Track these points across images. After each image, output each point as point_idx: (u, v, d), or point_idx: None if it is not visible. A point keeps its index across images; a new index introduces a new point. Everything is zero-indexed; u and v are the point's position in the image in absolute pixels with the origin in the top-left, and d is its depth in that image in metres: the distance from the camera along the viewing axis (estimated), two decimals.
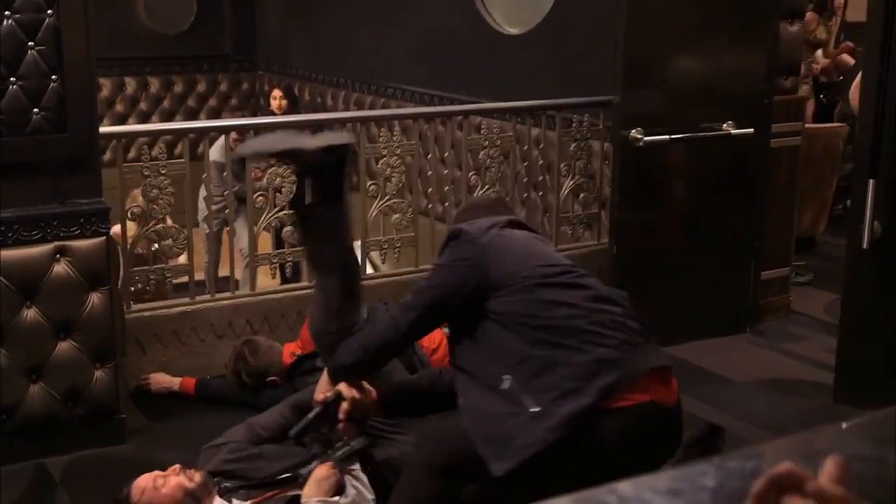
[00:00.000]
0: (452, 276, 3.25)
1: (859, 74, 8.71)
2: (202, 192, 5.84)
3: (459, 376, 3.24)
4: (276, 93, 7.93)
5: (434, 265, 3.47)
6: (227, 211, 5.72)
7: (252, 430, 4.11)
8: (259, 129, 5.63)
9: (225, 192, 5.70)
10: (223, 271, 5.58)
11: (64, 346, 4.33)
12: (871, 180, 4.63)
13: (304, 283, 5.45)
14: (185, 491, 3.45)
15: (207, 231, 5.86)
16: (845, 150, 8.23)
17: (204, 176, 5.42)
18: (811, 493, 1.08)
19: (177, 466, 3.57)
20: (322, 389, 3.52)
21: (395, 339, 3.39)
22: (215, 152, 5.86)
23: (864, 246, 4.68)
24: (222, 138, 5.72)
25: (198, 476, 3.53)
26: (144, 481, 3.47)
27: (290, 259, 5.46)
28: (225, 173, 5.73)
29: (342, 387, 3.39)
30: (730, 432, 4.33)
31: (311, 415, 3.46)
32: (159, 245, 5.06)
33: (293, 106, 7.79)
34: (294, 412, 4.03)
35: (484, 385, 3.12)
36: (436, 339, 4.96)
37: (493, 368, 3.11)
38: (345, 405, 3.36)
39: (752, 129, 5.58)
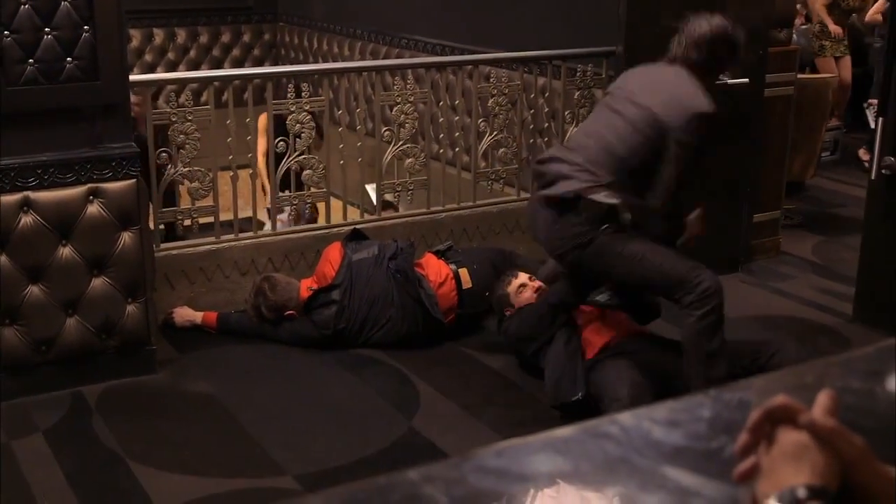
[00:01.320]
0: None
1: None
2: None
3: None
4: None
5: None
6: None
7: None
8: (278, 77, 5.58)
9: None
10: (247, 213, 5.57)
11: (98, 282, 4.35)
12: (881, 118, 4.84)
13: (323, 224, 5.45)
14: None
15: None
16: (835, 99, 8.19)
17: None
18: (803, 424, 1.08)
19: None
20: None
21: None
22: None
23: (872, 177, 4.92)
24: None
25: None
26: None
27: (309, 201, 5.44)
28: None
29: None
30: None
31: None
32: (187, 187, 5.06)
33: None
34: None
35: None
36: (442, 273, 4.99)
37: None
38: None
39: (747, 79, 5.54)
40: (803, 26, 9.07)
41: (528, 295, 4.65)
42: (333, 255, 4.97)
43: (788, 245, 6.36)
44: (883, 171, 4.87)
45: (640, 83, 4.18)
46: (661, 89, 4.07)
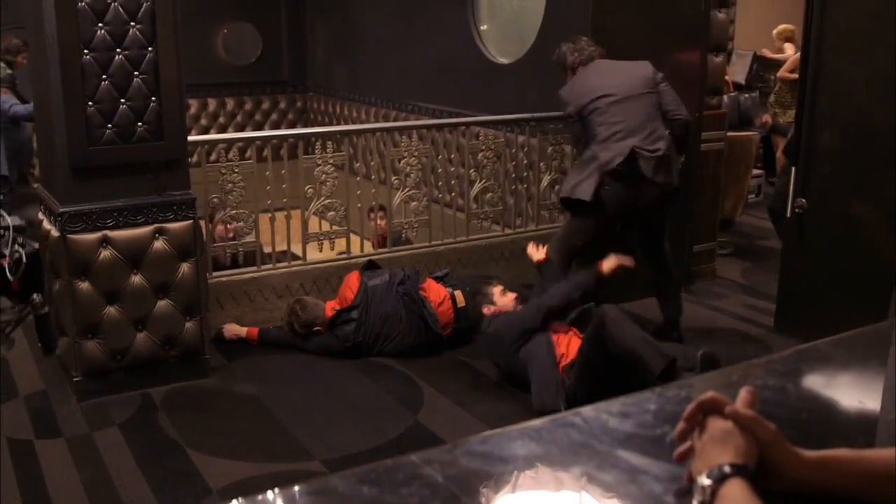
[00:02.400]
0: None
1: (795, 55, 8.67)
2: None
3: None
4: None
5: None
6: None
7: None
8: (308, 137, 5.61)
9: None
10: (282, 247, 5.57)
11: (162, 304, 4.35)
12: (793, 167, 4.88)
13: (345, 255, 5.45)
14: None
15: None
16: (758, 152, 8.20)
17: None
18: (728, 414, 1.09)
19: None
20: None
21: None
22: None
23: (787, 215, 4.95)
24: None
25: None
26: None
27: (333, 237, 5.45)
28: None
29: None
30: None
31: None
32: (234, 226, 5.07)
33: None
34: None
35: None
36: (441, 295, 4.98)
37: None
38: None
39: None
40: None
41: (508, 299, 4.64)
42: (352, 281, 4.97)
43: (722, 270, 6.37)
44: (796, 210, 4.89)
45: (612, 75, 4.65)
46: (626, 67, 4.67)
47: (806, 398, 1.44)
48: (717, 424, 1.09)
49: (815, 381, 1.52)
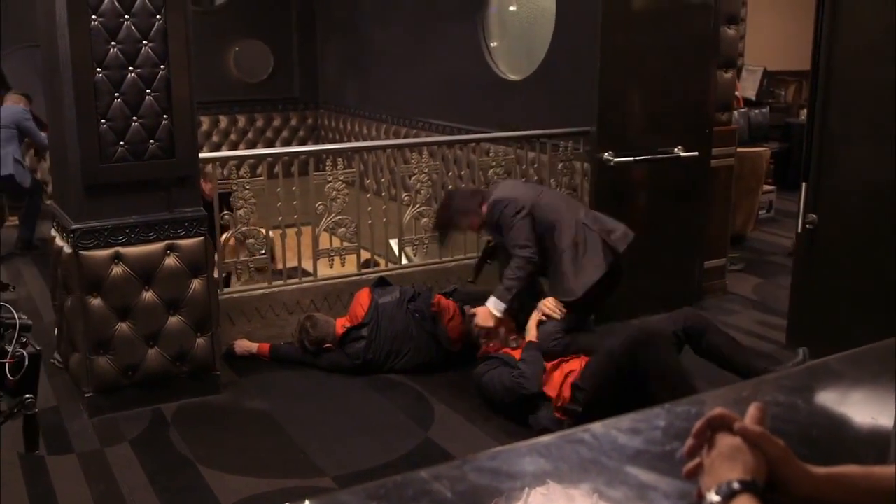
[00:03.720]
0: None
1: None
2: None
3: None
4: None
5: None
6: None
7: None
8: (319, 153, 5.63)
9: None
10: (293, 263, 5.59)
11: (173, 320, 4.37)
12: (804, 183, 4.81)
13: (354, 271, 5.46)
14: None
15: None
16: (768, 168, 8.19)
17: None
18: (737, 431, 1.09)
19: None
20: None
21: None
22: None
23: (798, 230, 4.87)
24: None
25: None
26: None
27: (343, 253, 5.46)
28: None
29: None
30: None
31: None
32: (245, 242, 5.09)
33: None
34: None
35: None
36: (451, 310, 4.98)
37: None
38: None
39: (696, 153, 5.56)
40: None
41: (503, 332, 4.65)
42: (363, 299, 4.97)
43: (733, 286, 6.35)
44: (807, 226, 4.87)
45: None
46: None
47: (816, 414, 1.43)
48: (725, 441, 1.09)
49: (825, 398, 1.51)
